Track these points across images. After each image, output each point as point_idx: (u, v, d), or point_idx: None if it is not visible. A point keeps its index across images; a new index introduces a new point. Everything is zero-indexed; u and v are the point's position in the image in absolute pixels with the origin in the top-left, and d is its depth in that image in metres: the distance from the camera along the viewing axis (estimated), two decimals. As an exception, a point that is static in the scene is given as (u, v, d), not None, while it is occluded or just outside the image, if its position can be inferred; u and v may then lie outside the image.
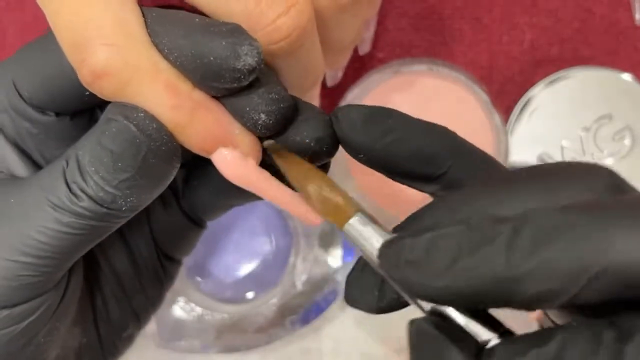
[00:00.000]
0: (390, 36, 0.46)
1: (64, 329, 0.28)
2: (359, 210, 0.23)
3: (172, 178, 0.25)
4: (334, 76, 0.44)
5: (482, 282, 0.19)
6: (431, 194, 0.25)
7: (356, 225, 0.23)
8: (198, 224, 0.31)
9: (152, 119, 0.23)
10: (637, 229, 0.18)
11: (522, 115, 0.44)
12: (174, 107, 0.23)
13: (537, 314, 0.46)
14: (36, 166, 0.27)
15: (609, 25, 0.46)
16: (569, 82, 0.44)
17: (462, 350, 0.19)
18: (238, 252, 0.47)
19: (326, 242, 0.46)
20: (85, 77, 0.23)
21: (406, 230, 0.22)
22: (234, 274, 0.47)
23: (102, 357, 0.30)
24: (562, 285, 0.19)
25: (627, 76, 0.44)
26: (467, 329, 0.20)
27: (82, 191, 0.23)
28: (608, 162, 0.44)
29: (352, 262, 0.46)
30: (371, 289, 0.23)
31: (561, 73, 0.44)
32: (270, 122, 0.24)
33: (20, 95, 0.25)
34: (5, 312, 0.25)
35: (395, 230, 0.23)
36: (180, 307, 0.46)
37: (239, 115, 0.24)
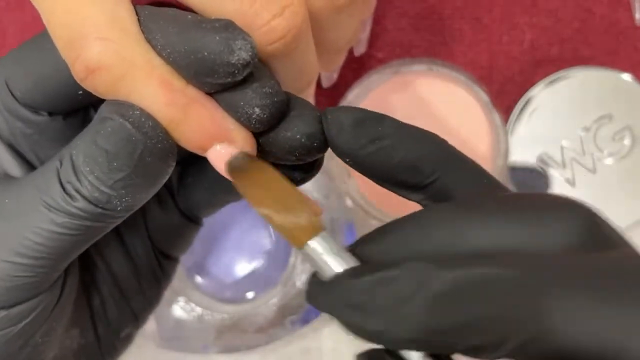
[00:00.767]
0: (390, 36, 0.46)
1: (61, 330, 0.27)
2: (317, 232, 0.22)
3: (167, 177, 0.24)
4: (330, 77, 0.44)
5: (418, 332, 0.19)
6: (418, 202, 0.25)
7: (315, 245, 0.22)
8: (194, 222, 0.31)
9: (148, 116, 0.23)
10: (578, 304, 0.18)
11: (522, 115, 0.44)
12: (168, 103, 0.23)
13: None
14: (30, 166, 0.27)
15: (609, 25, 0.46)
16: (569, 82, 0.44)
17: None
18: (238, 252, 0.47)
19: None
20: (78, 72, 0.23)
21: (360, 253, 0.22)
22: (234, 274, 0.47)
23: (100, 357, 0.30)
24: (495, 341, 0.19)
25: (627, 76, 0.44)
26: None
27: (77, 191, 0.23)
28: (608, 162, 0.44)
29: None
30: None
31: (561, 73, 0.44)
32: (265, 116, 0.24)
33: (13, 95, 0.25)
34: (2, 313, 0.25)
35: (351, 247, 0.22)
36: (180, 307, 0.46)
37: (232, 111, 0.24)
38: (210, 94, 0.24)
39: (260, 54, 0.25)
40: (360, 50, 0.45)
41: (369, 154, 0.23)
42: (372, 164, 0.24)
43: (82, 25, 0.22)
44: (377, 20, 0.46)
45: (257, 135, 0.25)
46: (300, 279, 0.46)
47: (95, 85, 0.23)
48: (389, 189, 0.25)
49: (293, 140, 0.24)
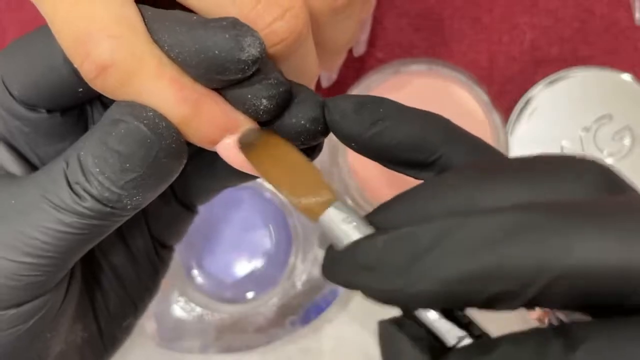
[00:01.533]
0: (389, 36, 0.46)
1: (67, 326, 0.28)
2: (334, 201, 0.22)
3: (178, 174, 0.25)
4: (329, 77, 0.44)
5: (437, 284, 0.19)
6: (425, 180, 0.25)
7: (331, 216, 0.22)
8: (190, 209, 0.31)
9: (162, 117, 0.23)
10: (600, 236, 0.18)
11: (522, 116, 0.45)
12: (180, 100, 0.23)
13: (536, 313, 0.46)
14: (28, 163, 0.27)
15: (609, 25, 0.46)
16: (569, 82, 0.44)
17: (421, 350, 0.19)
18: (238, 252, 0.47)
19: (326, 242, 0.46)
20: (88, 72, 0.23)
21: (376, 220, 0.22)
22: (234, 274, 0.47)
23: (102, 348, 0.30)
24: (517, 287, 0.18)
25: (627, 76, 0.44)
26: (435, 330, 0.20)
27: (86, 191, 0.23)
28: (608, 162, 0.44)
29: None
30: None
31: (561, 73, 0.44)
32: (272, 106, 0.24)
33: (10, 93, 0.25)
34: (12, 311, 0.25)
35: (367, 216, 0.22)
36: (180, 307, 0.46)
37: (240, 104, 0.24)
38: (216, 89, 0.24)
39: None
40: (359, 51, 0.45)
41: (372, 135, 0.24)
42: (376, 146, 0.24)
43: (89, 24, 0.22)
44: (377, 20, 0.46)
45: (263, 123, 0.25)
46: (300, 279, 0.46)
47: (105, 84, 0.23)
48: (397, 170, 0.25)
49: (298, 126, 0.25)
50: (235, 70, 0.23)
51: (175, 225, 0.32)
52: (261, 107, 0.24)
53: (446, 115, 0.46)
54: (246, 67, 0.23)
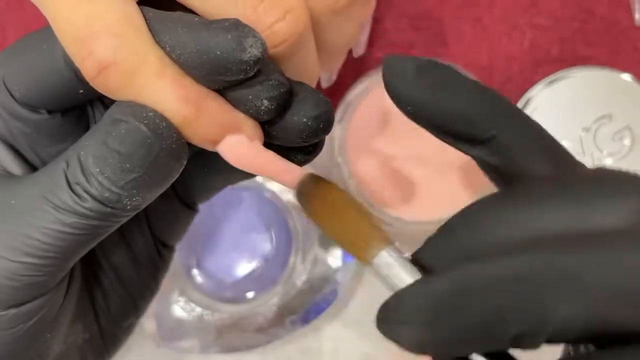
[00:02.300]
0: (389, 36, 0.46)
1: (66, 326, 0.28)
2: (386, 245, 0.22)
3: (178, 174, 0.25)
4: (329, 78, 0.44)
5: (463, 331, 0.19)
6: (479, 158, 0.24)
7: (384, 261, 0.21)
8: (191, 208, 0.31)
9: (162, 117, 0.23)
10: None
11: (522, 115, 0.45)
12: (181, 100, 0.23)
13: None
14: (29, 164, 0.27)
15: (609, 26, 0.46)
16: (569, 82, 0.44)
17: None
18: (238, 252, 0.47)
19: (326, 242, 0.46)
20: (89, 70, 0.23)
21: (424, 259, 0.21)
22: (234, 274, 0.47)
23: (103, 348, 0.30)
24: (530, 328, 0.18)
25: (627, 76, 0.44)
26: None
27: (86, 192, 0.23)
28: (608, 162, 0.44)
29: (352, 262, 0.46)
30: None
31: (561, 73, 0.44)
32: (273, 107, 0.24)
33: (11, 94, 0.25)
34: (12, 311, 0.25)
35: (416, 253, 0.22)
36: (180, 307, 0.46)
37: (241, 104, 0.24)
38: (217, 90, 0.24)
39: None
40: (359, 51, 0.45)
41: (431, 102, 0.23)
42: (432, 113, 0.23)
43: (92, 23, 0.22)
44: (377, 20, 0.46)
45: (264, 122, 0.25)
46: (300, 279, 0.46)
47: (107, 83, 0.23)
48: (447, 142, 0.24)
49: (300, 124, 0.25)
50: (237, 71, 0.23)
51: (176, 224, 0.32)
52: (262, 108, 0.24)
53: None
54: (248, 68, 0.23)
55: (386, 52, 0.46)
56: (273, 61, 0.25)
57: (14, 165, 0.26)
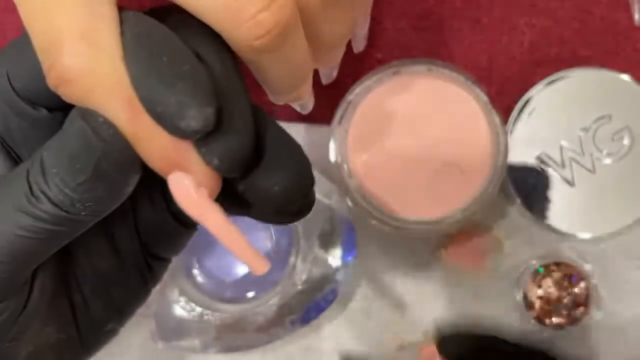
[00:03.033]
0: (389, 36, 0.46)
1: (32, 331, 0.27)
2: None
3: (130, 188, 0.24)
4: (329, 74, 0.44)
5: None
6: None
7: None
8: (187, 226, 0.31)
9: (110, 125, 0.23)
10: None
11: (521, 116, 0.45)
12: (131, 121, 0.23)
13: (535, 312, 0.46)
14: (19, 162, 0.27)
15: (609, 26, 0.46)
16: (568, 83, 0.45)
17: None
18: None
19: (326, 242, 0.46)
20: (51, 81, 0.23)
21: None
22: (234, 274, 0.47)
23: (82, 350, 0.30)
24: None
25: (626, 76, 0.44)
26: None
27: (43, 193, 0.23)
28: (607, 162, 0.44)
29: (352, 261, 0.46)
30: None
31: (561, 73, 0.45)
32: (224, 168, 0.23)
33: (13, 88, 0.25)
34: None
35: None
36: (180, 307, 0.46)
37: (197, 150, 0.23)
38: None
39: (248, 49, 0.25)
40: (359, 47, 0.45)
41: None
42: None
43: (55, 35, 0.22)
44: (377, 20, 0.46)
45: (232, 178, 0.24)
46: (301, 279, 0.46)
47: (66, 95, 0.23)
48: None
49: (269, 193, 0.24)
50: (173, 133, 0.22)
51: (169, 239, 0.31)
52: (212, 165, 0.23)
53: (446, 115, 0.46)
54: (185, 135, 0.22)
55: (386, 52, 0.46)
56: (260, 55, 0.24)
57: (1, 163, 0.26)
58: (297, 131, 0.48)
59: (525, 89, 0.45)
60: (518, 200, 0.45)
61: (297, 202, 0.24)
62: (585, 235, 0.45)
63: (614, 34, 0.46)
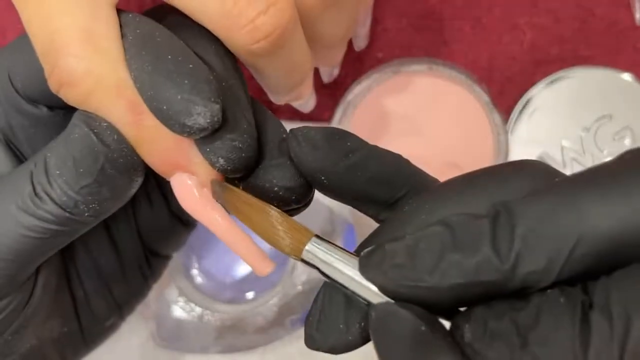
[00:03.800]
0: (390, 36, 0.46)
1: (35, 325, 0.27)
2: (314, 235, 0.22)
3: (133, 191, 0.24)
4: (330, 73, 0.44)
5: (471, 274, 0.19)
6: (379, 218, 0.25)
7: (314, 249, 0.22)
8: (186, 224, 0.31)
9: (114, 130, 0.23)
10: (604, 201, 0.19)
11: (522, 115, 0.44)
12: (133, 124, 0.23)
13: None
14: (23, 160, 0.27)
15: (609, 25, 0.46)
16: (569, 82, 0.44)
17: (432, 327, 0.20)
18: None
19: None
20: (52, 84, 0.23)
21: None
22: (233, 274, 0.46)
23: (83, 344, 0.30)
24: (547, 261, 0.19)
25: (627, 76, 0.44)
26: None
27: (46, 193, 0.23)
28: (608, 162, 0.44)
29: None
30: (336, 323, 0.23)
31: (561, 73, 0.44)
32: (229, 168, 0.23)
33: (14, 87, 0.25)
34: None
35: (357, 252, 0.22)
36: (180, 307, 0.46)
37: (200, 152, 0.23)
38: None
39: (247, 53, 0.25)
40: (360, 45, 0.45)
41: (345, 167, 0.23)
42: (344, 180, 0.23)
43: (56, 39, 0.22)
44: (377, 20, 0.46)
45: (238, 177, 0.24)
46: (300, 279, 0.46)
47: (67, 98, 0.23)
48: (359, 209, 0.24)
49: (271, 192, 0.24)
50: (179, 131, 0.22)
51: (169, 236, 0.31)
52: (217, 165, 0.23)
53: (446, 115, 0.46)
54: (191, 132, 0.22)
55: (386, 52, 0.46)
56: (258, 58, 0.24)
57: (3, 163, 0.26)
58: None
59: (526, 89, 0.45)
60: (519, 200, 0.45)
61: (297, 199, 0.24)
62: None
63: (615, 34, 0.46)
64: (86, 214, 0.24)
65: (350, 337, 0.22)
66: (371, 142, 0.45)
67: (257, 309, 0.46)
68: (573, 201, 0.19)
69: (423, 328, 0.19)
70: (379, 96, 0.43)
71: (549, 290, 0.19)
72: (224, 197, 0.24)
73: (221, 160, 0.23)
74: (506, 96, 0.45)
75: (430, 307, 0.20)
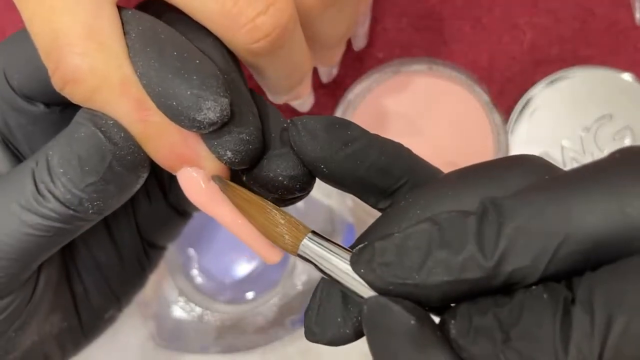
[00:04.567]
0: (390, 36, 0.46)
1: (37, 321, 0.27)
2: (310, 231, 0.23)
3: (138, 186, 0.25)
4: (329, 73, 0.44)
5: (456, 272, 0.19)
6: (382, 210, 0.25)
7: (310, 245, 0.22)
8: (182, 214, 0.31)
9: (121, 128, 0.23)
10: (591, 200, 0.19)
11: (522, 115, 0.44)
12: (139, 121, 0.23)
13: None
14: (22, 159, 0.27)
15: (609, 25, 0.46)
16: (569, 82, 0.44)
17: (417, 316, 0.20)
18: (238, 252, 0.47)
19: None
20: (56, 82, 0.23)
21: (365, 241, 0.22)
22: (234, 274, 0.46)
23: (83, 338, 0.30)
24: (532, 259, 0.19)
25: (627, 76, 0.44)
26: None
27: (50, 192, 0.23)
28: (608, 162, 0.44)
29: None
30: (334, 317, 0.23)
31: (561, 73, 0.44)
32: (236, 160, 0.24)
33: (10, 85, 0.25)
34: None
35: (353, 247, 0.23)
36: (180, 307, 0.46)
37: (208, 146, 0.24)
38: None
39: (246, 52, 0.25)
40: (359, 45, 0.45)
41: (345, 156, 0.23)
42: (346, 168, 0.23)
43: (57, 37, 0.22)
44: (377, 20, 0.46)
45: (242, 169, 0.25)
46: (300, 279, 0.46)
47: (72, 96, 0.23)
48: (359, 197, 0.25)
49: (275, 181, 0.24)
50: (189, 127, 0.22)
51: (167, 227, 0.32)
52: (224, 158, 0.24)
53: (446, 115, 0.46)
54: (201, 127, 0.22)
55: (386, 52, 0.46)
56: (258, 57, 0.25)
57: (1, 160, 0.26)
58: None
59: (526, 89, 0.45)
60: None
61: (301, 187, 0.25)
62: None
63: (615, 33, 0.46)
64: (90, 211, 0.24)
65: (347, 331, 0.23)
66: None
67: (257, 309, 0.46)
68: (561, 199, 0.19)
69: (413, 322, 0.19)
70: (379, 96, 0.43)
71: (533, 287, 0.19)
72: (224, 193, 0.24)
73: (229, 153, 0.23)
74: (506, 96, 0.45)
75: (420, 303, 0.20)
